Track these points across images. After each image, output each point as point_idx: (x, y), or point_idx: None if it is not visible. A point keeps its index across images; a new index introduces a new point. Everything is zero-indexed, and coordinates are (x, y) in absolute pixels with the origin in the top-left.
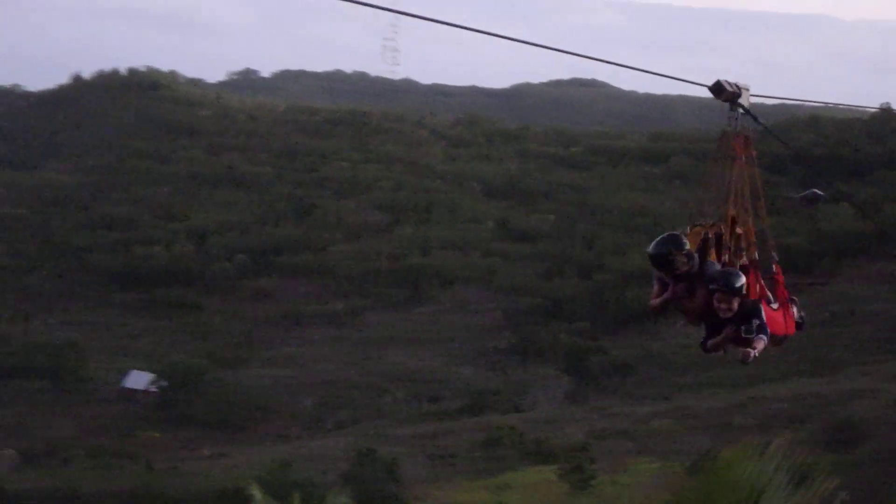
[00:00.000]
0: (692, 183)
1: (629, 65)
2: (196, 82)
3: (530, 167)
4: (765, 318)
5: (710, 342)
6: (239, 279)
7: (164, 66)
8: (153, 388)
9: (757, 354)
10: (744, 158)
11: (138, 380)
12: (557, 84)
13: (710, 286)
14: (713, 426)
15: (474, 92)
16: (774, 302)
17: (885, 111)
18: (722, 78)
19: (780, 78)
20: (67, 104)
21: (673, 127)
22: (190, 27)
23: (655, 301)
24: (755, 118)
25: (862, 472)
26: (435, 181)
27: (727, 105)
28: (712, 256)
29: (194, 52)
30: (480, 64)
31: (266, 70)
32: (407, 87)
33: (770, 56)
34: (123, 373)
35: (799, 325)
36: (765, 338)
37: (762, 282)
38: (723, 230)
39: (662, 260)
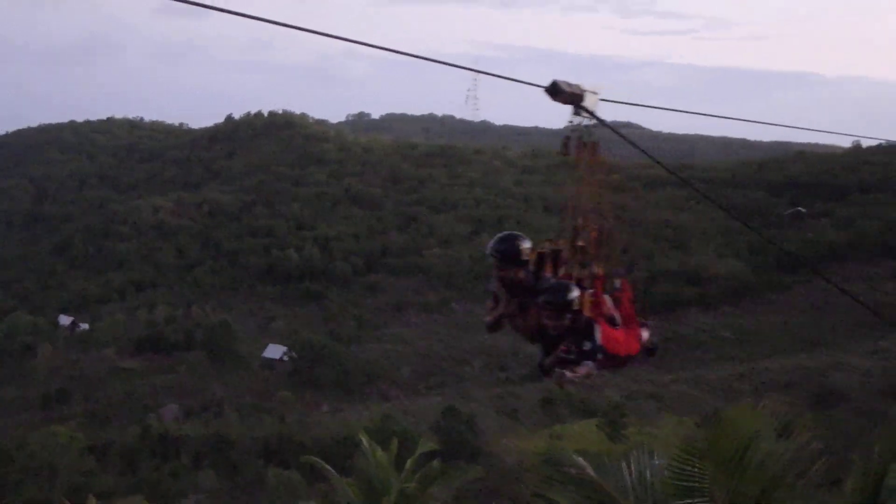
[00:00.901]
0: (713, 203)
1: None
2: (321, 122)
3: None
4: (600, 338)
5: (546, 361)
6: (354, 276)
7: (297, 109)
8: (286, 359)
9: (575, 379)
10: (587, 167)
11: (275, 351)
12: (601, 125)
13: (539, 299)
14: (720, 390)
15: (538, 131)
16: (618, 321)
17: (857, 147)
18: (561, 79)
19: (781, 120)
20: (222, 138)
21: (693, 159)
22: (317, 78)
23: (489, 318)
24: (602, 122)
25: (838, 428)
26: (507, 200)
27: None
28: (548, 271)
29: (320, 98)
30: (543, 109)
31: (376, 113)
32: (485, 127)
33: (772, 103)
34: (263, 347)
35: (650, 351)
36: (591, 365)
37: (604, 298)
38: (561, 245)
39: (507, 252)
